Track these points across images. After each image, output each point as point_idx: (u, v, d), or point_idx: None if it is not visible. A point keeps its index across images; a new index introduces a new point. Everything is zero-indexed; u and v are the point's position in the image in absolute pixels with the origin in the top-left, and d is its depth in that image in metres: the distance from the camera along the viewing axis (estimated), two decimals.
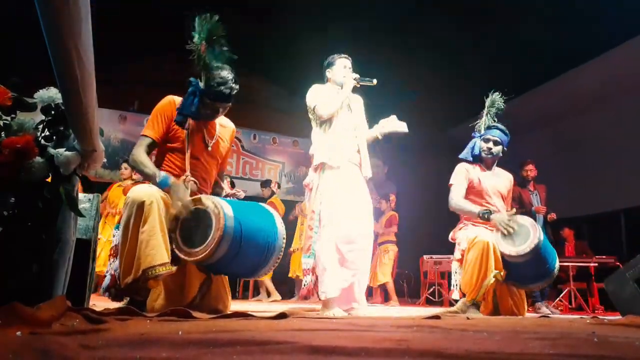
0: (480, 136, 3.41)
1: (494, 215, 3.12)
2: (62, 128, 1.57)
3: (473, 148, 3.41)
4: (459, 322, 1.96)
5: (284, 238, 2.33)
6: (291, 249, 6.44)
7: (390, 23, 6.68)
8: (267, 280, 6.15)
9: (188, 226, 2.11)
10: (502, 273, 3.01)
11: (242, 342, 0.96)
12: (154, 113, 2.37)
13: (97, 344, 0.91)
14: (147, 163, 2.27)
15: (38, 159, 1.47)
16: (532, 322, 2.19)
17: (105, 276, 2.24)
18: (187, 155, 2.35)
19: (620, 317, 2.58)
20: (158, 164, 2.37)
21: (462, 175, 3.35)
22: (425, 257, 7.03)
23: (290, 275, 6.45)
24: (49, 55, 1.22)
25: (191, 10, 2.22)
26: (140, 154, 2.28)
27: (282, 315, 1.81)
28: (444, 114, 8.55)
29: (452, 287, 3.34)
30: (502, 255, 3.03)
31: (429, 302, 6.88)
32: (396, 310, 4.20)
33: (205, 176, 2.44)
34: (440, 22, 6.43)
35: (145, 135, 2.33)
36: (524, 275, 3.17)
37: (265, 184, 6.79)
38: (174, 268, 2.08)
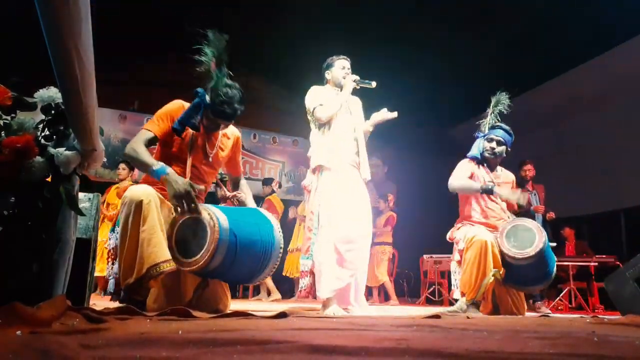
0: (484, 136, 3.40)
1: (497, 188, 3.12)
2: (62, 127, 1.57)
3: (477, 148, 3.41)
4: (459, 321, 1.96)
5: (281, 247, 2.32)
6: (289, 249, 6.44)
7: (390, 23, 6.68)
8: (267, 279, 6.15)
9: (183, 235, 2.12)
10: (501, 272, 3.01)
11: (242, 342, 0.96)
12: (162, 112, 2.35)
13: (97, 344, 0.91)
14: (144, 153, 2.21)
15: (38, 158, 1.47)
16: (532, 322, 2.19)
17: (108, 280, 2.24)
18: (189, 162, 2.33)
19: (620, 316, 2.58)
20: None
21: (465, 166, 3.36)
22: (425, 256, 7.03)
23: (284, 274, 6.44)
24: (49, 55, 1.22)
25: (201, 19, 2.22)
26: (138, 144, 2.23)
27: (282, 315, 1.81)
28: (444, 114, 8.55)
29: (452, 287, 3.34)
30: (506, 257, 3.02)
31: (429, 302, 6.89)
32: (396, 310, 4.20)
33: (202, 184, 2.43)
34: (440, 22, 6.43)
35: (147, 130, 2.30)
36: (524, 278, 3.17)
37: (267, 181, 6.77)
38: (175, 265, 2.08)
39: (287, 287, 6.77)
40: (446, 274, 6.77)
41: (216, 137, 2.48)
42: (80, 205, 1.65)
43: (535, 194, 5.45)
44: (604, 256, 5.87)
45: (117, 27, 6.01)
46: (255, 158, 8.67)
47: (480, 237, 3.03)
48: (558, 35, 6.10)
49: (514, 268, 3.05)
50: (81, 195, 1.87)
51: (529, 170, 5.46)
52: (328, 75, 3.12)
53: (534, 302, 4.85)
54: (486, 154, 3.36)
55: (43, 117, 1.59)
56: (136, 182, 5.25)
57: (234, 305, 2.65)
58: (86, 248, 1.87)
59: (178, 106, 2.38)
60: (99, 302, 2.61)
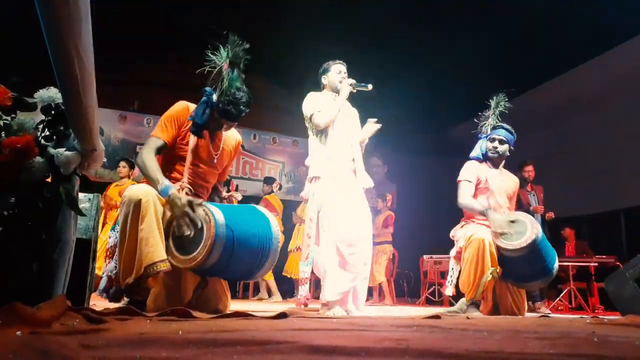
0: (486, 137, 3.45)
1: (492, 213, 3.15)
2: (62, 128, 1.57)
3: (480, 148, 3.45)
4: (459, 321, 1.96)
5: (279, 241, 2.32)
6: (289, 249, 6.44)
7: (390, 23, 6.67)
8: (270, 280, 6.14)
9: (180, 233, 2.12)
10: (498, 270, 3.03)
11: (243, 342, 0.96)
12: (167, 116, 2.36)
13: (97, 344, 0.91)
14: (154, 166, 2.21)
15: (38, 158, 1.47)
16: (532, 322, 2.19)
17: (101, 277, 2.24)
18: (188, 162, 2.34)
19: (620, 316, 2.59)
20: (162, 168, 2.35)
21: (471, 172, 3.38)
22: (425, 257, 7.03)
23: (284, 274, 6.43)
24: (49, 55, 1.22)
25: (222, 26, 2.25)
26: (148, 155, 2.24)
27: (282, 315, 1.81)
28: (443, 114, 8.55)
29: (447, 283, 3.36)
30: (499, 249, 3.05)
31: (429, 302, 6.89)
32: (396, 310, 4.20)
33: (204, 183, 2.45)
34: (440, 22, 6.43)
35: (157, 137, 2.30)
36: (521, 273, 3.18)
37: (268, 180, 6.73)
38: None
39: (287, 287, 6.77)
40: (446, 274, 6.76)
41: (220, 139, 2.49)
42: (80, 206, 1.65)
43: (534, 195, 5.49)
44: (604, 256, 5.87)
45: (117, 27, 6.01)
46: (255, 158, 8.67)
47: (477, 235, 3.06)
48: (558, 35, 6.10)
49: (509, 261, 3.07)
50: (81, 195, 1.87)
51: (531, 171, 5.50)
52: (324, 80, 3.14)
53: (534, 302, 4.85)
54: (489, 154, 3.41)
55: (43, 117, 1.59)
56: (137, 181, 5.26)
57: (234, 305, 2.65)
58: (86, 248, 1.87)
59: (183, 107, 2.38)
60: (99, 302, 2.61)
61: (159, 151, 2.30)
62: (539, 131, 8.12)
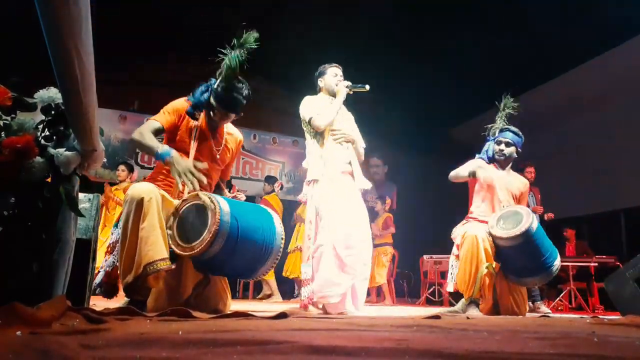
0: (494, 139, 3.49)
1: (480, 171, 3.28)
2: (62, 128, 1.57)
3: (487, 151, 3.49)
4: (459, 321, 1.96)
5: (282, 238, 2.33)
6: (289, 249, 6.43)
7: (391, 24, 6.67)
8: (271, 280, 6.13)
9: (185, 221, 2.12)
10: (493, 265, 3.04)
11: (243, 342, 0.96)
12: (168, 106, 2.39)
13: (97, 344, 0.91)
14: (150, 137, 2.23)
15: (38, 158, 1.47)
16: (532, 322, 2.19)
17: (99, 272, 2.24)
18: (191, 157, 2.34)
19: (620, 316, 2.59)
20: (162, 166, 2.36)
21: (472, 163, 3.45)
22: (425, 257, 7.03)
23: (284, 274, 6.43)
24: (49, 55, 1.22)
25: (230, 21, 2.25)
26: (143, 130, 2.25)
27: (282, 315, 1.81)
28: (444, 114, 8.55)
29: (448, 281, 3.38)
30: (495, 239, 3.06)
31: (429, 302, 6.88)
32: (396, 310, 4.20)
33: (208, 180, 2.45)
34: (440, 22, 6.43)
35: (154, 119, 2.32)
36: (519, 267, 3.19)
37: (270, 180, 6.70)
38: (173, 265, 2.08)
39: (287, 288, 6.76)
40: (446, 274, 6.76)
41: (221, 135, 2.50)
42: (80, 206, 1.65)
43: (532, 195, 5.54)
44: (604, 256, 5.88)
45: (117, 27, 6.00)
46: (255, 158, 8.67)
47: (471, 232, 3.09)
48: (558, 35, 6.10)
49: (505, 254, 3.09)
50: (81, 195, 1.87)
51: (531, 172, 5.55)
52: (321, 83, 3.16)
53: (534, 302, 4.85)
54: (496, 156, 3.47)
55: (43, 117, 1.59)
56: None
57: (235, 305, 2.64)
58: (86, 248, 1.87)
59: (183, 101, 2.41)
60: (99, 302, 2.61)
61: (155, 133, 2.30)
62: (539, 131, 8.11)
